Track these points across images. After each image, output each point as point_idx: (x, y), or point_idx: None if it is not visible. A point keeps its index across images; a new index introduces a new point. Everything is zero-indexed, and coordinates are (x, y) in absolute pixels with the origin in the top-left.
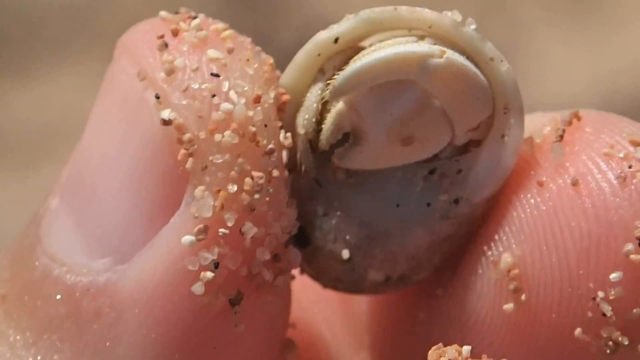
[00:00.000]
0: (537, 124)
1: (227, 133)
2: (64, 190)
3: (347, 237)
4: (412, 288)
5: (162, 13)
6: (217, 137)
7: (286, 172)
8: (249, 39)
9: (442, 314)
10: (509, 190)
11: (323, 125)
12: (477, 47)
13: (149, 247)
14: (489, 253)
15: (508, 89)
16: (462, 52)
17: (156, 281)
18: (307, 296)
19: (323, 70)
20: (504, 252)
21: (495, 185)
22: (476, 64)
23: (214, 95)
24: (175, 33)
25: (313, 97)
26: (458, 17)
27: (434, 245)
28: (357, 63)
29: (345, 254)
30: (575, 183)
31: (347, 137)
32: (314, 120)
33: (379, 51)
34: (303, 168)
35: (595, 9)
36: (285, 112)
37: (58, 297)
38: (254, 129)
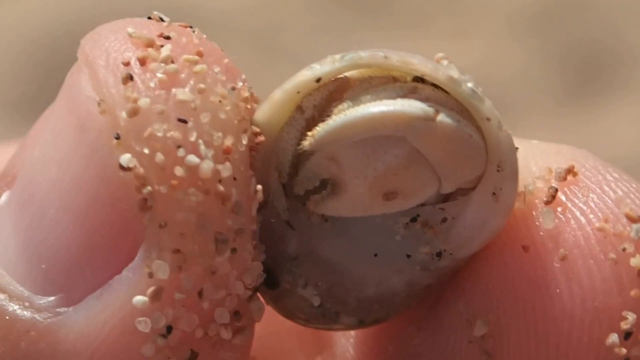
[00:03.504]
0: (531, 173)
1: (191, 190)
2: (14, 195)
3: (319, 283)
4: (383, 326)
5: (130, 29)
6: (180, 194)
7: (254, 226)
8: (225, 62)
9: (412, 352)
10: (492, 246)
11: (299, 170)
12: (474, 105)
13: (97, 297)
14: (465, 312)
15: (503, 150)
16: (456, 103)
17: (103, 337)
18: (268, 326)
19: (302, 109)
20: (479, 318)
21: (481, 243)
22: (471, 120)
23: (179, 147)
24: (142, 62)
25: (290, 138)
26: (454, 72)
27: (411, 294)
28: (342, 117)
29: (316, 300)
30: (563, 258)
31: (324, 184)
32: (289, 164)
33: (366, 107)
34: (275, 209)
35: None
36: (258, 151)
37: None
38: (221, 187)
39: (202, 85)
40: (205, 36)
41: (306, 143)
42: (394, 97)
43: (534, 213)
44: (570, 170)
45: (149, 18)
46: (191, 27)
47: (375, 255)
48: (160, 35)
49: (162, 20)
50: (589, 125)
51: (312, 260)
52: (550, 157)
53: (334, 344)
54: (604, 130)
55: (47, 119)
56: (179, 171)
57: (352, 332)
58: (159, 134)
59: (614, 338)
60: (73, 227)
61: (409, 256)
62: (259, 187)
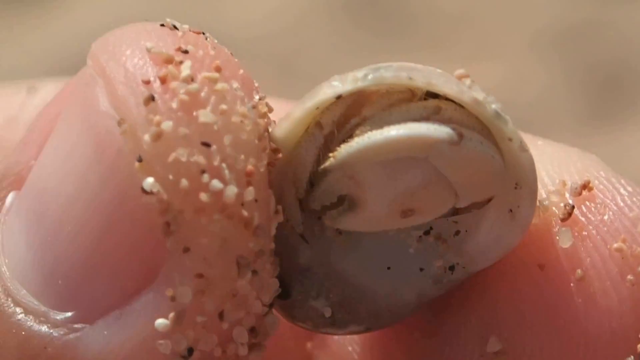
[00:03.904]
0: (544, 185)
1: (215, 216)
2: (25, 205)
3: (330, 295)
4: (389, 332)
5: (148, 44)
6: (204, 220)
7: (273, 244)
8: (241, 74)
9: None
10: (507, 263)
11: (316, 186)
12: (497, 126)
13: (117, 317)
14: (478, 327)
15: (524, 170)
16: (478, 122)
17: (122, 357)
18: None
19: (321, 125)
20: (493, 335)
21: (495, 259)
22: (492, 139)
23: (203, 172)
24: (163, 81)
25: (308, 155)
26: (479, 94)
27: (421, 304)
28: (365, 139)
29: (327, 311)
30: (580, 279)
31: (341, 200)
32: (306, 179)
33: (389, 129)
34: (289, 222)
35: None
36: (275, 166)
37: (13, 345)
38: (244, 211)
39: (223, 106)
40: (216, 40)
41: (327, 163)
42: (417, 119)
43: (549, 230)
44: (586, 185)
45: (162, 25)
46: (203, 33)
47: (389, 268)
48: (178, 49)
49: (175, 27)
50: (612, 146)
51: (324, 271)
52: (562, 165)
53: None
54: (628, 150)
55: (58, 122)
56: (203, 197)
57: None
58: (183, 159)
59: None
60: (90, 245)
61: (422, 269)
62: (279, 207)
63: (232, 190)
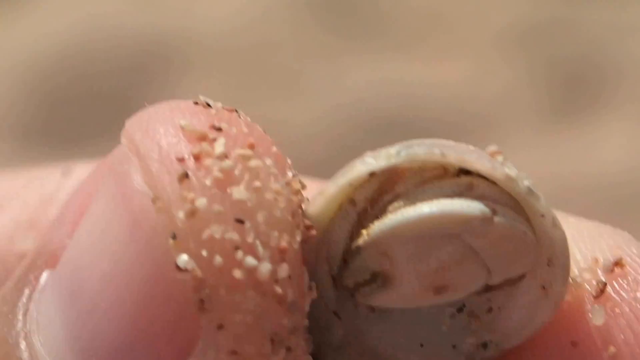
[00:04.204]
0: (576, 262)
1: (249, 293)
2: (59, 282)
3: None
4: None
5: (182, 122)
6: (238, 297)
7: (306, 321)
8: (274, 151)
9: None
10: (540, 341)
11: (349, 262)
12: (529, 202)
13: None
14: None
15: (556, 246)
16: (510, 199)
17: None
18: None
19: (354, 202)
20: None
21: (528, 336)
22: (524, 215)
23: (237, 248)
24: (197, 158)
25: (342, 232)
26: (512, 171)
27: None
28: (398, 216)
29: None
30: (613, 356)
31: (374, 277)
32: (340, 256)
33: (422, 206)
34: (322, 299)
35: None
36: (309, 243)
37: None
38: (278, 288)
39: (257, 183)
40: (249, 119)
41: (360, 240)
42: (450, 195)
43: (582, 307)
44: (618, 262)
45: (195, 103)
46: (236, 110)
47: (422, 345)
48: (212, 127)
49: (208, 105)
50: (577, 142)
51: (357, 349)
52: (593, 242)
53: None
54: (591, 147)
55: (92, 201)
56: (237, 274)
57: None
58: (217, 236)
59: None
60: (125, 322)
61: (454, 346)
62: (313, 284)
63: (266, 267)
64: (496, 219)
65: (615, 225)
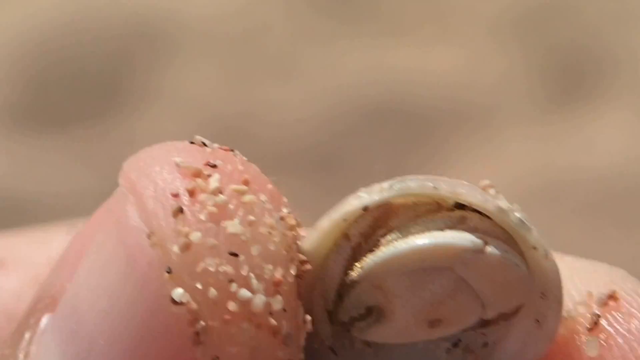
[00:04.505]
0: (571, 297)
1: (244, 325)
2: (58, 324)
3: None
4: None
5: (177, 159)
6: (233, 329)
7: (301, 355)
8: (269, 188)
9: None
10: None
11: (344, 297)
12: (521, 234)
13: None
14: None
15: (549, 279)
16: (502, 232)
17: None
18: None
19: (348, 236)
20: None
21: None
22: (516, 247)
23: (231, 281)
24: (192, 194)
25: (336, 266)
26: (504, 203)
27: None
28: (391, 249)
29: None
30: None
31: (369, 311)
32: (335, 291)
33: (415, 238)
34: (318, 335)
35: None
36: (304, 279)
37: None
38: (273, 320)
39: (251, 217)
40: (245, 158)
41: (354, 274)
42: (442, 228)
43: (576, 339)
44: (612, 296)
45: (192, 143)
46: (232, 150)
47: None
48: (207, 164)
49: (204, 144)
50: (573, 132)
51: None
52: (588, 278)
53: None
54: (588, 138)
55: (90, 242)
56: (231, 306)
57: None
58: (212, 269)
59: None
60: (123, 358)
61: None
62: (308, 317)
63: (260, 299)
64: (487, 249)
65: (611, 220)
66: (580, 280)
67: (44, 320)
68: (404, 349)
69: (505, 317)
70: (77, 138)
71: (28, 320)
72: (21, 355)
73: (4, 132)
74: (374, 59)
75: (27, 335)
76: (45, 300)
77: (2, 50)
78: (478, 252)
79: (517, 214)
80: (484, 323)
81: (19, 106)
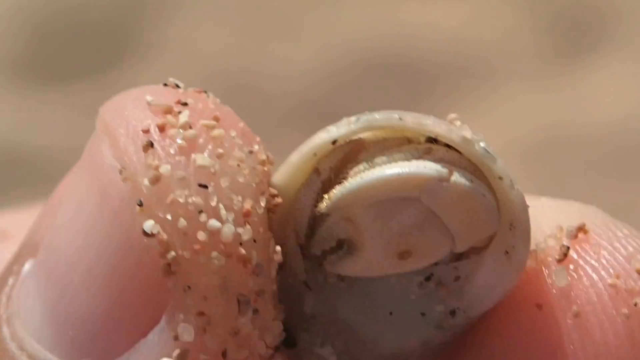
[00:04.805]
0: (542, 232)
1: (213, 254)
2: (39, 266)
3: (336, 342)
4: None
5: (149, 97)
6: (203, 258)
7: (274, 286)
8: (241, 126)
9: None
10: (506, 305)
11: (316, 231)
12: (486, 165)
13: None
14: None
15: (515, 208)
16: (469, 163)
17: None
18: None
19: (318, 171)
20: None
21: (494, 301)
22: (483, 179)
23: (200, 212)
24: (162, 129)
25: (307, 200)
26: (467, 132)
27: (426, 351)
28: (358, 180)
29: (333, 359)
30: (576, 315)
31: (340, 244)
32: (306, 225)
33: (381, 169)
34: (292, 270)
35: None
36: (276, 213)
37: None
38: (242, 250)
39: (220, 150)
40: (219, 100)
41: (323, 205)
42: (409, 159)
43: (546, 271)
44: (581, 228)
45: (165, 85)
46: (205, 92)
47: (391, 313)
48: (178, 102)
49: (177, 87)
50: (579, 87)
51: (328, 319)
52: (560, 215)
53: None
54: (593, 93)
55: (69, 186)
56: (201, 236)
57: None
58: (181, 200)
59: None
60: (98, 293)
61: (423, 314)
62: (278, 248)
63: (229, 229)
64: (453, 178)
65: (614, 177)
66: (551, 215)
67: (27, 266)
68: (377, 283)
69: (477, 250)
70: (81, 91)
71: (12, 268)
72: (4, 299)
73: (8, 85)
74: (379, 14)
75: (10, 281)
76: (28, 248)
77: (4, 2)
78: (443, 180)
79: (482, 144)
80: (456, 257)
81: (22, 59)
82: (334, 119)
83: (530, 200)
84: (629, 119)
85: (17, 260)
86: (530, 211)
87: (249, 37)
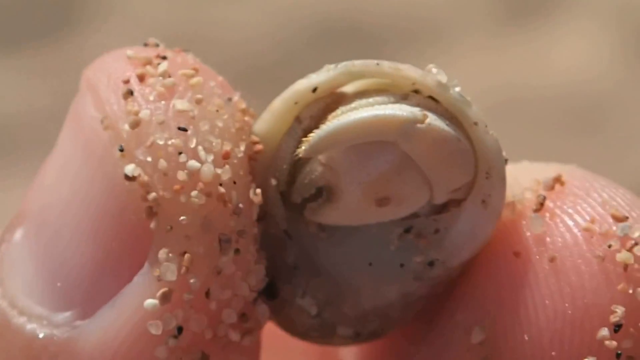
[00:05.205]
0: (520, 186)
1: (193, 193)
2: (28, 227)
3: (317, 293)
4: (384, 345)
5: (129, 52)
6: (183, 197)
7: (255, 229)
8: (220, 79)
9: None
10: (484, 256)
11: (296, 178)
12: (461, 110)
13: (111, 306)
14: (463, 322)
15: (491, 154)
16: (445, 112)
17: (117, 343)
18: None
19: (299, 119)
20: (476, 325)
21: (473, 251)
22: (459, 127)
23: (180, 153)
24: (141, 78)
25: (287, 147)
26: (443, 77)
27: (407, 304)
28: (335, 122)
29: (314, 309)
30: (552, 259)
31: (320, 192)
32: (286, 172)
33: (358, 112)
34: (273, 219)
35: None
36: (258, 161)
37: (18, 350)
38: (222, 189)
39: (199, 96)
40: (199, 60)
41: (301, 149)
42: (386, 103)
43: (523, 222)
44: (558, 179)
45: (145, 45)
46: (186, 50)
47: (370, 264)
48: (157, 56)
49: (157, 45)
50: (530, 47)
51: (310, 270)
52: (539, 172)
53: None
54: (545, 53)
55: (55, 149)
56: (181, 175)
57: (354, 349)
58: (161, 142)
59: (604, 332)
60: (85, 242)
61: (402, 265)
62: (258, 190)
63: (209, 169)
64: (428, 121)
65: (568, 137)
66: (530, 172)
67: (17, 234)
68: (358, 234)
69: (456, 203)
70: (30, 56)
71: (4, 236)
72: None
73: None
74: None
75: (2, 247)
76: (20, 217)
77: None
78: (418, 122)
79: (457, 89)
80: (436, 210)
81: (18, 27)
82: (284, 82)
83: (510, 164)
84: (582, 79)
85: (9, 229)
86: (510, 171)
87: (197, 2)
